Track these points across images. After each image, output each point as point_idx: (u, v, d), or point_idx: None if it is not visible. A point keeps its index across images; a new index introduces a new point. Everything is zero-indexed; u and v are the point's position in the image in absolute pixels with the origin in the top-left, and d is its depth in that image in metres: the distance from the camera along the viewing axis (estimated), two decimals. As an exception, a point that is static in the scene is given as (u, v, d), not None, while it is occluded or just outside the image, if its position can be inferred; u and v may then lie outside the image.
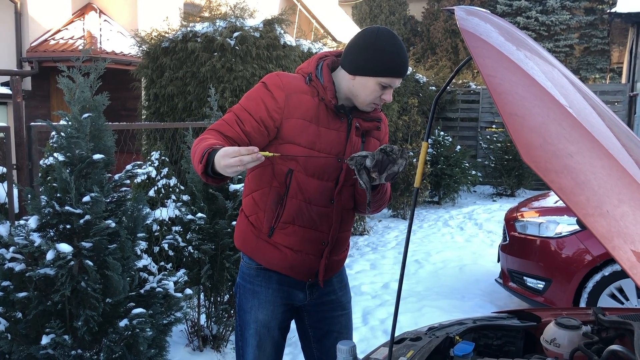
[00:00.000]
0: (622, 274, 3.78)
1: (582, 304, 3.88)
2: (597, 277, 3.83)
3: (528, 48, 1.15)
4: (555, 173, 0.74)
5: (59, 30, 10.34)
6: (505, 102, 0.80)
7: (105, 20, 10.70)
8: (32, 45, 9.98)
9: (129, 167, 2.78)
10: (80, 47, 9.56)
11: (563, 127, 0.84)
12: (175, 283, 2.93)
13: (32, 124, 3.11)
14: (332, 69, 1.93)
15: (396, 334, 1.73)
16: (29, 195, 2.47)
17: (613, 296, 3.84)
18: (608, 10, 12.10)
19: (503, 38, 1.08)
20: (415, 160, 8.05)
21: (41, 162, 4.40)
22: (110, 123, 2.74)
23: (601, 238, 0.71)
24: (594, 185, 0.77)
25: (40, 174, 3.40)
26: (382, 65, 1.78)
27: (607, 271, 3.80)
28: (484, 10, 1.33)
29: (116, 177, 2.69)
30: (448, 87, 12.45)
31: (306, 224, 1.91)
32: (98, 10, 10.86)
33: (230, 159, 1.54)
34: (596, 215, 0.73)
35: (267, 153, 1.63)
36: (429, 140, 10.42)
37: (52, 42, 10.00)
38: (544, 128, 0.81)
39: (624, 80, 14.74)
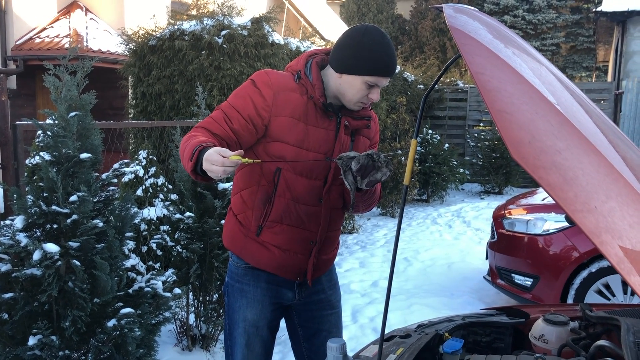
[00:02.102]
0: (609, 271, 3.81)
1: (570, 301, 3.91)
2: (584, 273, 3.87)
3: (516, 46, 1.15)
4: (544, 169, 0.75)
5: (44, 29, 10.23)
6: (494, 100, 0.81)
7: (91, 19, 10.60)
8: (17, 43, 9.87)
9: (116, 165, 2.76)
10: (66, 46, 9.47)
11: (551, 124, 0.85)
12: (164, 282, 2.91)
13: (18, 122, 3.08)
14: (322, 67, 1.93)
15: (386, 332, 1.73)
16: (15, 195, 2.45)
17: (600, 292, 3.88)
18: (594, 9, 12.21)
19: (491, 36, 1.09)
20: (404, 158, 8.07)
21: (27, 161, 4.36)
22: (97, 122, 2.72)
23: (589, 234, 0.72)
24: (582, 182, 0.78)
25: (26, 174, 3.36)
26: (369, 64, 1.77)
27: (594, 267, 3.84)
28: (472, 8, 1.33)
29: (103, 176, 2.67)
30: (436, 86, 12.51)
31: (294, 223, 1.91)
32: (84, 8, 10.77)
33: (211, 165, 1.55)
34: (584, 211, 0.73)
35: (248, 160, 1.62)
36: (418, 138, 10.38)
37: (38, 40, 9.90)
38: (533, 125, 0.81)
39: (609, 78, 14.88)
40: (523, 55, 1.10)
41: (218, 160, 1.54)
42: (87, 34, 9.99)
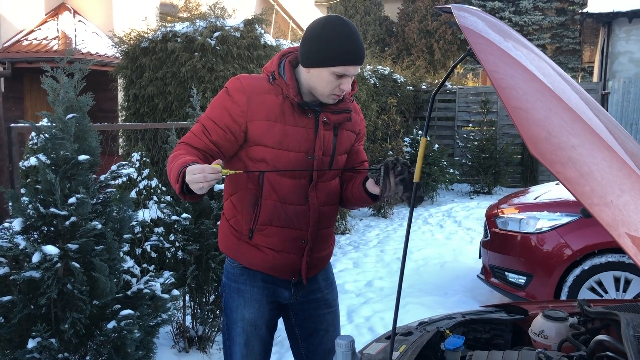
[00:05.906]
0: (601, 268, 3.86)
1: (563, 298, 3.95)
2: (577, 271, 3.91)
3: (523, 45, 1.18)
4: (561, 164, 0.76)
5: (32, 31, 10.15)
6: (509, 97, 0.82)
7: (79, 21, 10.53)
8: (5, 45, 9.78)
9: (114, 167, 2.76)
10: (55, 48, 9.40)
11: (564, 121, 0.87)
12: (162, 284, 2.91)
13: (13, 125, 3.07)
14: (296, 65, 1.93)
15: (385, 331, 1.75)
16: (12, 198, 2.43)
17: (592, 289, 3.92)
18: (579, 11, 12.35)
19: (499, 35, 1.11)
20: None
21: (20, 163, 4.33)
22: (94, 124, 2.71)
23: (607, 227, 0.73)
24: (597, 176, 0.80)
25: (20, 176, 3.34)
26: (332, 54, 1.75)
27: (586, 265, 3.88)
28: (475, 8, 1.35)
29: (102, 178, 2.67)
30: (425, 87, 12.58)
31: (283, 224, 1.92)
32: (72, 11, 10.69)
33: (193, 175, 1.58)
34: (601, 204, 0.75)
35: (229, 171, 1.67)
36: (409, 138, 10.20)
37: (26, 42, 9.81)
38: (548, 121, 0.83)
39: (595, 79, 15.04)
40: (531, 55, 1.12)
41: (197, 168, 1.57)
42: (75, 36, 9.92)
